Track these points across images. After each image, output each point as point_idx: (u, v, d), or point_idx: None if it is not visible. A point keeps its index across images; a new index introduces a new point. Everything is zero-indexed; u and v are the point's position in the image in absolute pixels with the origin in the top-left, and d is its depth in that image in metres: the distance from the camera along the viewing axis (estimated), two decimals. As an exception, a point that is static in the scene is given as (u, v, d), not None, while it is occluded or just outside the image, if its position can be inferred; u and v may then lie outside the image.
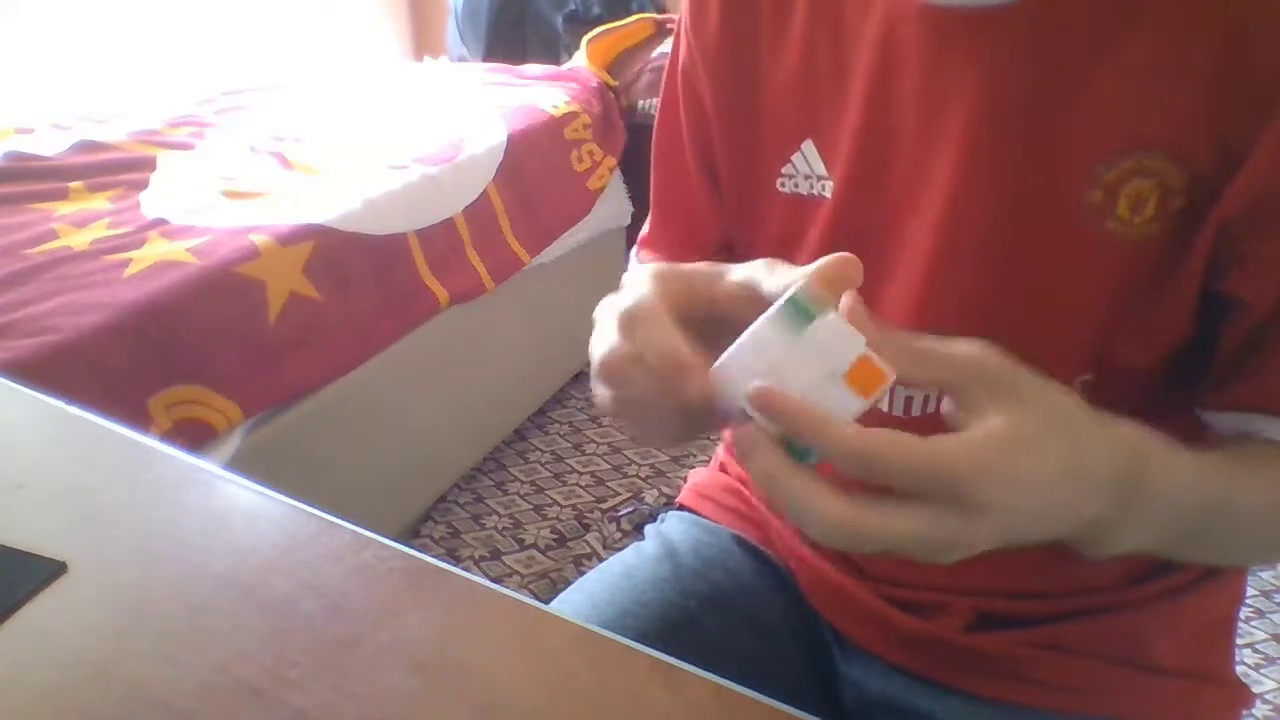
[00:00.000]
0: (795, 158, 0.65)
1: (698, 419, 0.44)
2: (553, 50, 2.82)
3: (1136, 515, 0.45)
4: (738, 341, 0.41)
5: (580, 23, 2.75)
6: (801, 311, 0.40)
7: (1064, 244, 0.54)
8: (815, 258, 0.62)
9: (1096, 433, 0.43)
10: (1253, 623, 1.67)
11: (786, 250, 0.67)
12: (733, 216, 0.71)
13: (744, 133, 0.67)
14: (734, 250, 0.74)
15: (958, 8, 0.55)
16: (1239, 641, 1.60)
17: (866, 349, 0.40)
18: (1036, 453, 0.40)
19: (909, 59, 0.58)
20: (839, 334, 0.40)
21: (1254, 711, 1.48)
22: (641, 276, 0.47)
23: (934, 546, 0.39)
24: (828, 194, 0.63)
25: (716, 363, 0.42)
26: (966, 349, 0.41)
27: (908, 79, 0.58)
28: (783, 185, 0.66)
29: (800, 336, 0.40)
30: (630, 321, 0.45)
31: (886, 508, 0.39)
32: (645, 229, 0.80)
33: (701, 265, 0.47)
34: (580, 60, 2.46)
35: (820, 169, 0.64)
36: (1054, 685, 0.63)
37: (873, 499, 0.39)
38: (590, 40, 2.47)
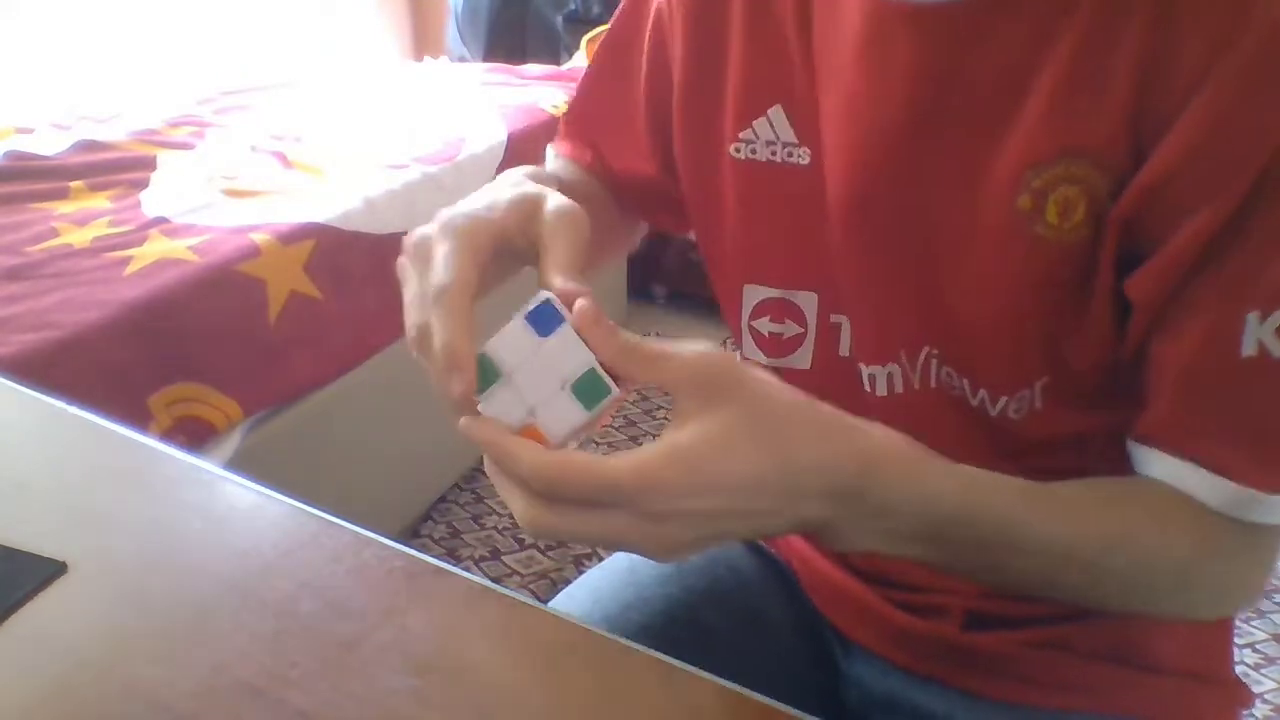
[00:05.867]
0: (758, 123, 0.63)
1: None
2: (553, 50, 2.82)
3: (867, 523, 0.46)
4: (496, 336, 0.45)
5: (580, 23, 2.75)
6: (548, 318, 0.44)
7: (997, 247, 0.54)
8: (784, 230, 0.64)
9: (814, 438, 0.44)
10: (1253, 623, 1.67)
11: (748, 218, 0.66)
12: (686, 181, 0.69)
13: (705, 92, 0.66)
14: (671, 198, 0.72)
15: (897, 1, 0.54)
16: (1239, 641, 1.60)
17: (594, 363, 0.43)
18: (714, 461, 0.41)
19: (848, 51, 0.58)
20: (570, 346, 0.44)
21: (1254, 711, 1.48)
22: (452, 227, 0.47)
23: (631, 545, 0.43)
24: (804, 162, 0.62)
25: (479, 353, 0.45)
26: (686, 353, 0.43)
27: (847, 70, 0.58)
28: (737, 151, 0.64)
29: (540, 341, 0.44)
30: (431, 297, 0.46)
31: (577, 510, 0.42)
32: (560, 130, 0.79)
33: (514, 211, 0.48)
34: (580, 60, 2.46)
35: (789, 135, 0.63)
36: (1053, 684, 0.64)
37: (568, 505, 0.42)
38: (590, 40, 2.47)
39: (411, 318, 0.47)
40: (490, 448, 0.43)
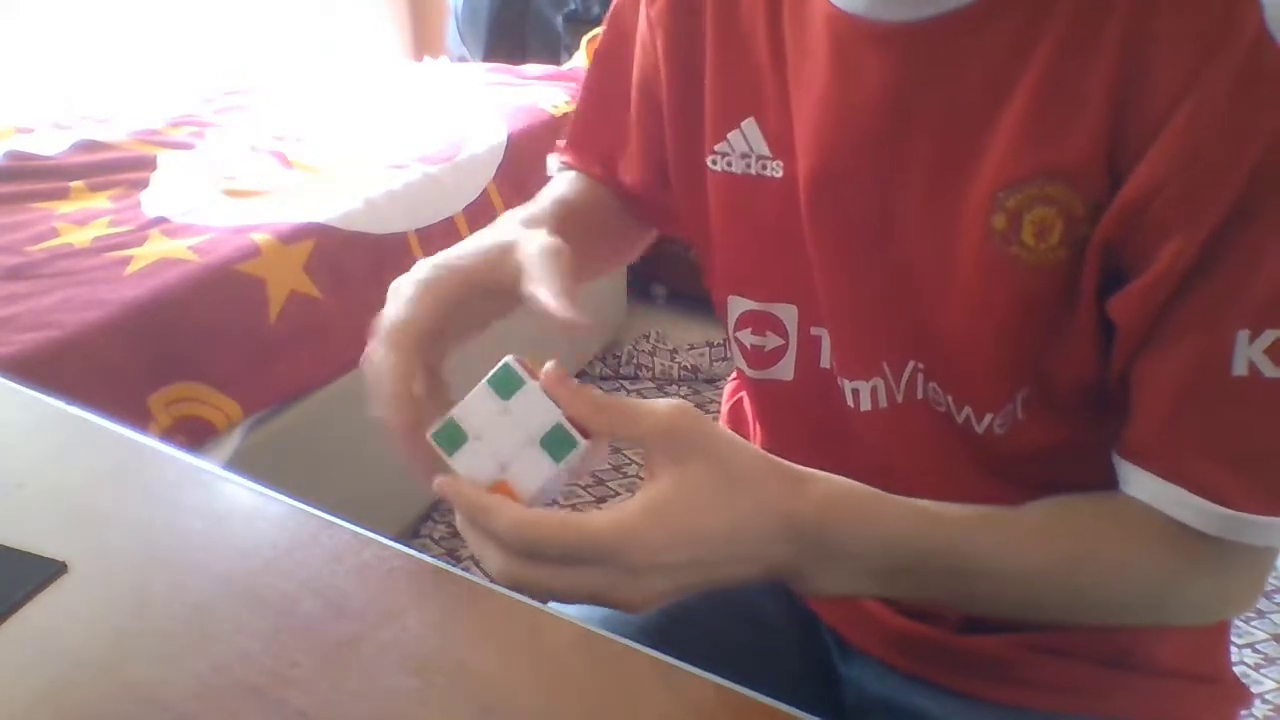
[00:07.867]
0: (732, 135, 0.63)
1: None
2: (553, 50, 2.82)
3: (833, 564, 0.49)
4: (461, 402, 0.48)
5: (580, 23, 2.75)
6: (510, 381, 0.47)
7: (973, 266, 0.54)
8: (761, 243, 0.64)
9: (775, 489, 0.47)
10: (1253, 623, 1.67)
11: (726, 230, 0.66)
12: (677, 192, 0.69)
13: (688, 104, 0.66)
14: (666, 209, 0.72)
15: (863, 19, 0.54)
16: (1239, 641, 1.60)
17: (561, 418, 0.46)
18: (690, 514, 0.44)
19: (818, 65, 0.57)
20: (537, 403, 0.46)
21: (1254, 711, 1.48)
22: (419, 275, 0.52)
23: (609, 600, 0.45)
24: (778, 174, 0.62)
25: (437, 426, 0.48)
26: (656, 408, 0.46)
27: (817, 84, 0.58)
28: (714, 163, 0.64)
29: (505, 404, 0.47)
30: (383, 331, 0.52)
31: (554, 566, 0.44)
32: (565, 140, 0.79)
33: (482, 258, 0.53)
34: (580, 60, 2.46)
35: (762, 148, 0.62)
36: (1050, 686, 0.63)
37: (545, 561, 0.44)
38: (590, 40, 2.47)
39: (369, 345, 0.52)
40: (465, 505, 0.46)
